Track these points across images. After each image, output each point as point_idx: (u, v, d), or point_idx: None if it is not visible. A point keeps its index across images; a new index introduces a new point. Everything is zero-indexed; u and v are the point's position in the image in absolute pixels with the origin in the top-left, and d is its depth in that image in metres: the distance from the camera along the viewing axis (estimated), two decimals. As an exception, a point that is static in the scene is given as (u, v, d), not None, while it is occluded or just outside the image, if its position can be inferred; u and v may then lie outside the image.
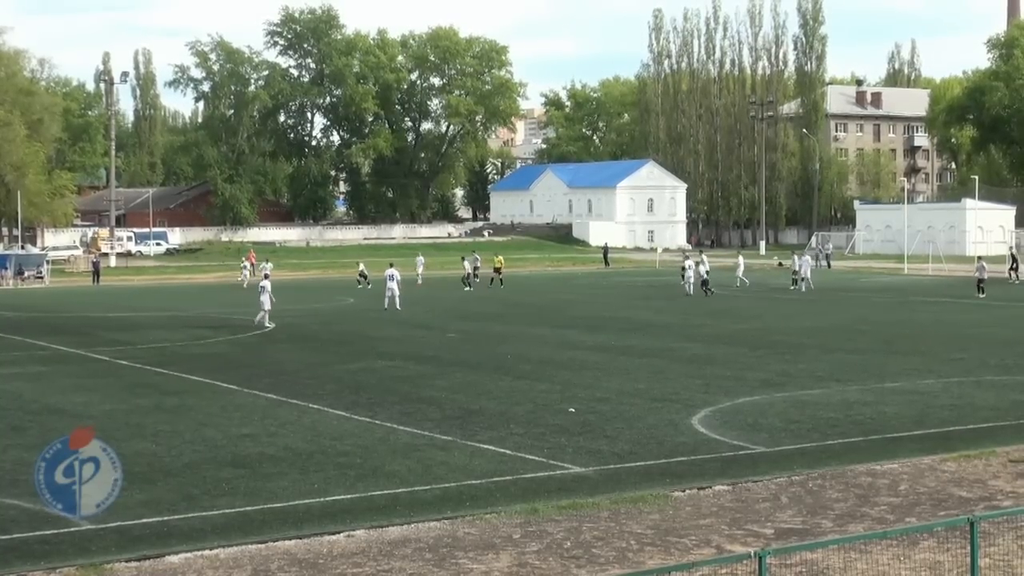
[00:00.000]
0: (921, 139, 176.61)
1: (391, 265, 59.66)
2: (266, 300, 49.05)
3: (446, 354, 38.79)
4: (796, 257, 72.86)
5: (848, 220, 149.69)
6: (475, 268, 76.94)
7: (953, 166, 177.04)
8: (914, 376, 32.29)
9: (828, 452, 22.17)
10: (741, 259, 78.04)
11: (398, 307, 55.75)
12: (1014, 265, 78.78)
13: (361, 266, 77.94)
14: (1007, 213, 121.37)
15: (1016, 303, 57.74)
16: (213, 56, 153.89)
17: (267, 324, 48.40)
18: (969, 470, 20.37)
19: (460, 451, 22.51)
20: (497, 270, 75.63)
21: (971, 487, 19.19)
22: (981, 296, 61.56)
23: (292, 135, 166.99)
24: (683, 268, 68.32)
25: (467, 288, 70.90)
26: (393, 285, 56.73)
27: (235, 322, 51.32)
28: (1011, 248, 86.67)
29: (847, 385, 30.63)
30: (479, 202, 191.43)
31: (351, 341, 43.43)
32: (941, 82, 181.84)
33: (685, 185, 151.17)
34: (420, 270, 79.75)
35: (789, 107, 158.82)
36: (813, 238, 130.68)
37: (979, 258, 69.06)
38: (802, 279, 69.27)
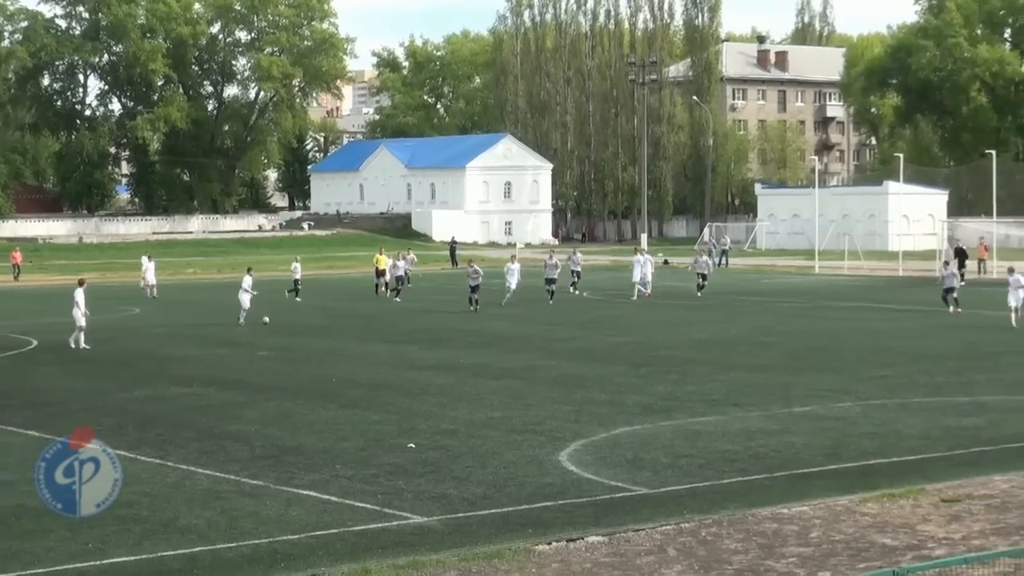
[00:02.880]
0: (835, 108, 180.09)
1: (249, 271, 57.75)
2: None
3: (256, 378, 38.50)
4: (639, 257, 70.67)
5: (748, 208, 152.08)
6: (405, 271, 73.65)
7: (873, 141, 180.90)
8: (828, 398, 32.88)
9: (725, 493, 22.45)
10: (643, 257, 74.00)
11: (241, 321, 54.69)
12: (965, 263, 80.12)
13: (296, 268, 71.65)
14: (938, 199, 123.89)
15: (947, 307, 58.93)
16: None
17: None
18: (894, 512, 20.76)
19: (273, 499, 22.35)
20: (380, 273, 73.26)
21: (896, 533, 19.56)
22: (952, 310, 56.84)
23: (59, 103, 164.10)
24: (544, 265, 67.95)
25: (385, 293, 70.05)
26: (244, 297, 55.20)
27: (-13, 339, 50.24)
28: (958, 241, 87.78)
29: (747, 410, 31.08)
30: (297, 187, 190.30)
31: (136, 363, 42.84)
32: (859, 40, 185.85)
33: (550, 165, 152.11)
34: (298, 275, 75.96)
35: (676, 69, 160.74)
36: (706, 230, 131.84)
37: (947, 263, 62.57)
38: (636, 283, 67.79)
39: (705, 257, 73.58)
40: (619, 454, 25.98)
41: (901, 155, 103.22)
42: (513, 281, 65.38)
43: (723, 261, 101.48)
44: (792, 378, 36.82)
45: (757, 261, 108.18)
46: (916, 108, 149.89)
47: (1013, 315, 50.01)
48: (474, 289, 61.11)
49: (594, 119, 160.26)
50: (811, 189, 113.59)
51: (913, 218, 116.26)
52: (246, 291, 55.72)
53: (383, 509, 21.54)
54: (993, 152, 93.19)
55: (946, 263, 61.78)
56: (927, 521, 20.20)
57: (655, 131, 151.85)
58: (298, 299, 67.94)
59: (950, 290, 58.02)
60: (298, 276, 70.73)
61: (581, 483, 23.45)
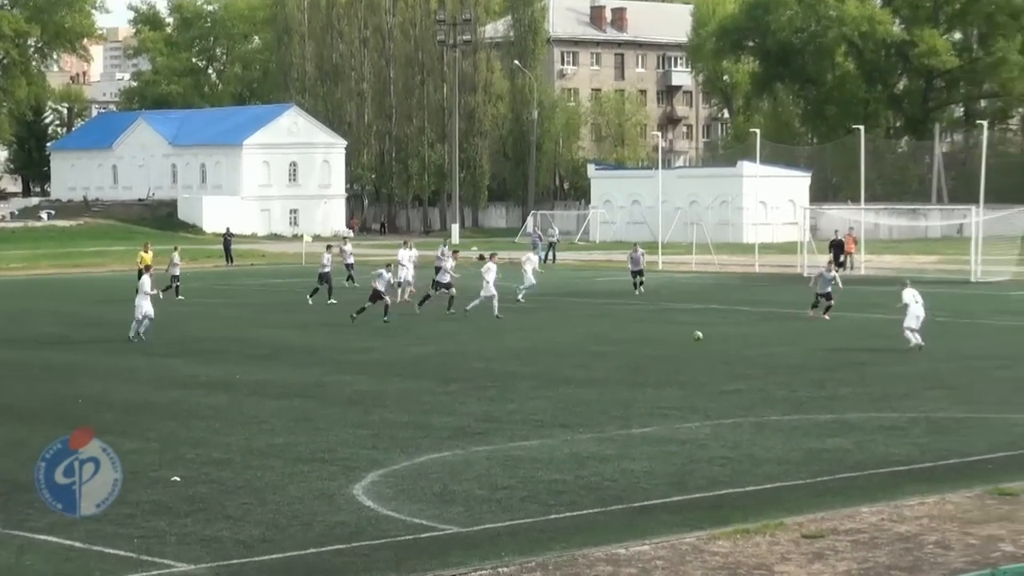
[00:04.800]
0: (681, 76, 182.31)
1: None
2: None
3: (-17, 399, 37.91)
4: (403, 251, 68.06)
5: (580, 193, 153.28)
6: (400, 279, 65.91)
7: (726, 114, 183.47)
8: (672, 418, 33.22)
9: (551, 530, 22.58)
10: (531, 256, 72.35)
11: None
12: (841, 259, 79.91)
13: (175, 259, 69.70)
14: (799, 182, 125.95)
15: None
16: None
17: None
18: (748, 551, 21.03)
19: (2, 546, 22.03)
20: (147, 268, 71.03)
21: (751, 575, 19.84)
22: (812, 314, 56.42)
23: None
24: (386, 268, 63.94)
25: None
26: (146, 304, 50.96)
27: None
28: (837, 232, 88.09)
29: (577, 432, 31.27)
30: (33, 168, 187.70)
31: None
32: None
33: (344, 142, 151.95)
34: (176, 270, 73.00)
35: (494, 28, 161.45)
36: (529, 219, 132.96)
37: (831, 261, 62.16)
38: (401, 283, 64.36)
39: (640, 253, 71.90)
40: (425, 486, 25.99)
41: (758, 131, 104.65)
42: (491, 280, 61.49)
43: (549, 256, 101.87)
44: (631, 394, 37.11)
45: (590, 256, 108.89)
46: (775, 75, 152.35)
47: (913, 336, 46.02)
48: (378, 295, 56.44)
49: (396, 87, 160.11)
50: (653, 171, 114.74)
51: (771, 205, 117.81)
52: (174, 272, 52.06)
53: (140, 556, 21.33)
54: (862, 127, 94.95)
55: (830, 262, 60.77)
56: (786, 560, 20.50)
57: (469, 102, 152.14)
58: (180, 297, 67.49)
59: (827, 295, 56.24)
60: (177, 272, 69.18)
61: (379, 521, 23.43)
